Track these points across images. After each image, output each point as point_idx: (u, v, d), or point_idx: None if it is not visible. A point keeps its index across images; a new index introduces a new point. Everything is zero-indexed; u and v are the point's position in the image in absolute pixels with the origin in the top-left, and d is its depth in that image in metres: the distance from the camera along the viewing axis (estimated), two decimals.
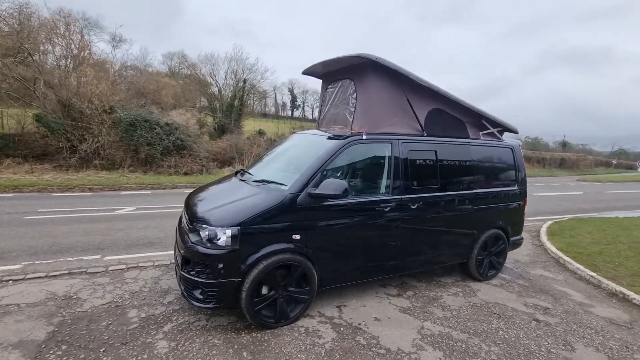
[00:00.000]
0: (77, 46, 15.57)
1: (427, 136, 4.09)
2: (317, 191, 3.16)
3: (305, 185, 3.21)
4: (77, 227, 6.15)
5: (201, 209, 3.36)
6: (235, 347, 2.91)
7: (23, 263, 4.43)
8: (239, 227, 2.96)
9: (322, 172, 3.31)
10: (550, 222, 8.10)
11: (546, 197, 14.09)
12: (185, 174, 14.38)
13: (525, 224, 5.17)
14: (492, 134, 4.72)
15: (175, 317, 3.33)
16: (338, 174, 3.69)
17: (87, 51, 16.00)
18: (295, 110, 66.99)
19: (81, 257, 4.72)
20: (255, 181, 3.65)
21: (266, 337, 3.07)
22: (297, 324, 3.30)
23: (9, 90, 13.46)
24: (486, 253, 4.62)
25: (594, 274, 4.87)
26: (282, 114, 62.86)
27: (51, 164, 13.09)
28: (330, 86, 4.51)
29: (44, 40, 14.97)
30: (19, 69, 13.29)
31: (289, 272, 3.22)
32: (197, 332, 3.10)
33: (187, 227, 3.30)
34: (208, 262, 2.98)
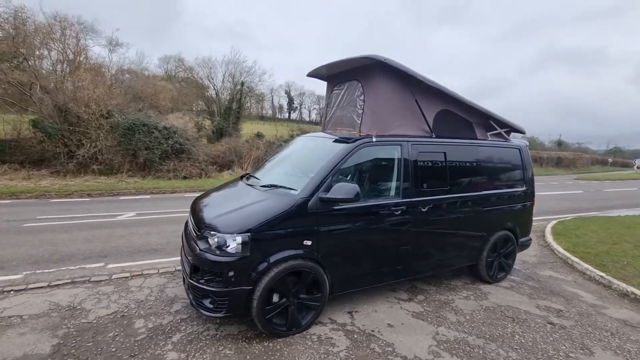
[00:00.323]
0: (73, 51, 15.43)
1: (435, 137, 4.04)
2: (329, 195, 3.09)
3: (316, 189, 3.14)
4: (78, 234, 6.04)
5: (209, 215, 3.28)
6: (248, 357, 2.83)
7: (24, 272, 4.33)
8: (249, 234, 2.88)
9: (332, 175, 3.24)
10: (554, 221, 8.08)
11: (546, 196, 14.10)
12: (184, 178, 14.26)
13: None
14: (499, 135, 4.68)
15: (183, 327, 3.24)
16: (348, 178, 3.63)
17: (84, 55, 15.88)
18: (292, 112, 67.02)
19: (83, 266, 4.61)
20: (263, 186, 3.57)
21: (278, 347, 2.99)
22: (309, 332, 3.22)
23: (5, 96, 13.30)
24: (495, 255, 4.57)
25: (603, 274, 4.83)
26: (280, 117, 62.85)
27: (48, 169, 12.94)
28: (336, 88, 4.45)
29: (39, 45, 14.82)
30: (14, 74, 13.14)
31: (300, 279, 3.15)
32: (207, 342, 3.01)
33: (195, 234, 3.21)
34: (218, 270, 2.90)
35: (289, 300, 3.14)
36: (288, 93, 62.94)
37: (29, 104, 13.51)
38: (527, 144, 5.03)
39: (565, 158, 39.79)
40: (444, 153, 4.02)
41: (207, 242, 3.00)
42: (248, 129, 23.86)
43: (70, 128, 13.11)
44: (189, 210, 3.97)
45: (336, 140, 3.74)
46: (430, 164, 3.92)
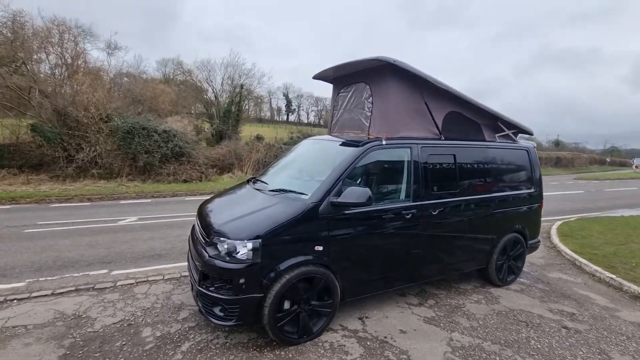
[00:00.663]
0: (71, 54, 15.35)
1: (445, 140, 4.00)
2: (340, 200, 3.03)
3: (327, 193, 3.09)
4: (80, 239, 5.96)
5: (218, 221, 3.21)
6: None
7: (27, 280, 4.24)
8: (260, 240, 2.82)
9: (343, 179, 3.19)
10: (559, 222, 8.05)
11: (548, 197, 14.01)
12: (185, 181, 14.17)
13: None
14: (507, 136, 4.64)
15: (192, 335, 3.17)
16: (358, 181, 3.57)
17: (82, 59, 15.80)
18: (290, 114, 67.02)
19: (87, 272, 4.53)
20: (272, 190, 3.51)
21: (290, 355, 2.92)
22: (321, 339, 3.15)
23: (3, 100, 13.19)
24: (505, 258, 4.52)
25: (613, 276, 4.78)
26: (278, 119, 62.81)
27: (47, 174, 12.85)
28: (342, 91, 4.40)
29: (37, 49, 14.73)
30: (13, 78, 13.05)
31: (311, 285, 3.08)
32: (218, 351, 2.94)
33: (204, 240, 3.15)
34: (228, 277, 2.83)
35: (300, 307, 3.08)
36: (286, 95, 62.98)
37: (27, 108, 13.42)
38: (535, 145, 5.00)
39: (564, 158, 39.88)
40: (454, 155, 3.98)
41: (217, 248, 2.94)
42: (247, 131, 23.81)
43: (70, 132, 13.03)
44: (195, 214, 3.91)
45: (345, 144, 3.68)
46: (440, 166, 3.87)
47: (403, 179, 3.65)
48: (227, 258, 2.86)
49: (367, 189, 3.03)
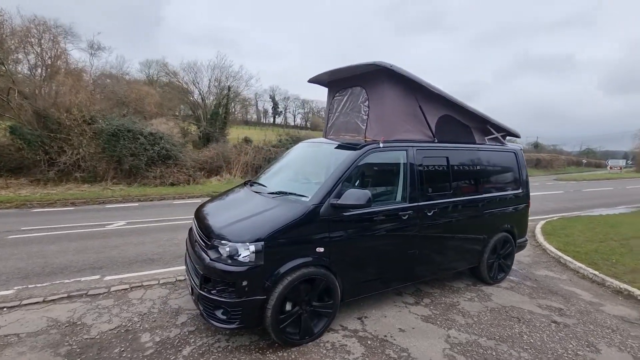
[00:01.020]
0: (52, 55, 14.89)
1: (438, 142, 4.11)
2: (340, 202, 3.09)
3: (327, 195, 3.13)
4: (68, 245, 5.79)
5: (218, 223, 3.21)
6: None
7: (16, 288, 4.11)
8: (263, 242, 2.84)
9: (343, 182, 3.24)
10: (542, 222, 8.35)
11: (531, 197, 14.54)
12: (172, 184, 13.94)
13: None
14: (496, 139, 4.81)
15: (192, 340, 3.15)
16: (356, 183, 3.63)
17: (63, 60, 15.35)
18: (277, 116, 66.80)
19: (79, 278, 4.42)
20: (272, 193, 3.53)
21: (293, 356, 2.95)
22: (322, 340, 3.19)
23: None
24: (496, 256, 4.67)
25: (596, 272, 5.01)
26: (264, 121, 62.48)
27: (28, 178, 12.39)
28: (338, 94, 4.46)
29: (16, 49, 14.22)
30: None
31: (313, 286, 3.12)
32: (220, 355, 2.93)
33: (204, 243, 3.14)
34: (231, 280, 2.84)
35: (302, 308, 3.11)
36: (273, 97, 62.75)
37: (6, 109, 12.94)
38: (522, 147, 5.19)
39: (544, 159, 41.30)
40: (447, 157, 4.10)
41: (218, 251, 2.94)
42: (234, 133, 23.56)
43: (51, 135, 12.62)
44: (184, 217, 3.89)
45: (343, 147, 3.75)
46: (434, 168, 3.98)
47: (399, 181, 3.73)
48: (229, 261, 2.87)
49: (367, 191, 3.10)
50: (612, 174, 37.03)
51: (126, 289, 4.13)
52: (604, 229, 7.77)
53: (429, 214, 3.80)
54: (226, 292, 2.87)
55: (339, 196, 3.13)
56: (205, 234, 3.19)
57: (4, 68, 13.28)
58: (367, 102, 3.91)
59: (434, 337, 3.27)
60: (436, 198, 3.90)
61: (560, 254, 5.93)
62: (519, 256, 5.89)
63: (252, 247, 2.82)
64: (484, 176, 4.48)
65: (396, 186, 3.74)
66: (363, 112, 3.96)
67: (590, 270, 5.13)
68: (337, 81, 4.46)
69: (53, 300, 3.80)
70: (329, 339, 3.21)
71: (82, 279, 4.42)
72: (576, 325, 3.64)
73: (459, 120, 4.41)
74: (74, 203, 10.08)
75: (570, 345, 3.23)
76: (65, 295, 3.91)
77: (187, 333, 3.26)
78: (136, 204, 10.41)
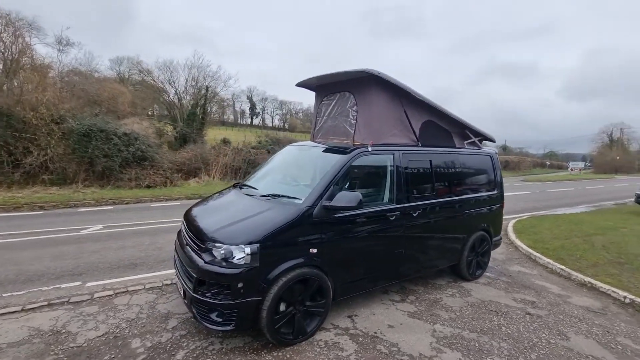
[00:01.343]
0: (16, 50, 14.03)
1: (422, 146, 4.32)
2: (332, 204, 3.19)
3: (320, 198, 3.23)
4: (42, 251, 5.53)
5: (211, 226, 3.22)
6: None
7: None
8: (258, 244, 2.89)
9: (334, 184, 3.35)
10: (513, 221, 8.86)
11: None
12: (148, 186, 13.53)
13: None
14: (474, 143, 5.10)
15: (185, 343, 3.14)
16: (346, 186, 3.75)
17: (29, 55, 14.50)
18: (254, 117, 66.15)
19: (58, 285, 4.25)
20: (264, 196, 3.58)
21: (288, 355, 3.01)
22: (315, 338, 3.27)
23: None
24: (474, 254, 4.94)
25: (563, 267, 5.41)
26: (242, 122, 61.71)
27: None
28: (325, 99, 4.57)
29: None
30: None
31: (306, 287, 3.20)
32: (215, 357, 2.95)
33: (197, 246, 3.14)
34: (226, 282, 2.86)
35: (296, 309, 3.18)
36: (250, 98, 62.09)
37: None
38: (497, 151, 5.52)
39: (512, 162, 43.50)
40: (430, 161, 4.31)
41: (212, 254, 2.96)
42: (211, 134, 23.15)
43: (16, 134, 11.89)
44: (181, 220, 3.87)
45: (333, 150, 3.85)
46: (418, 171, 4.17)
47: (386, 183, 3.89)
48: (224, 263, 2.90)
49: (358, 193, 3.22)
50: (572, 175, 39.57)
51: (111, 295, 4.03)
52: (569, 226, 8.36)
53: (414, 215, 3.98)
54: (221, 295, 2.89)
55: (330, 198, 3.23)
56: (197, 237, 3.19)
57: None
58: (355, 107, 4.04)
59: (421, 332, 3.44)
60: (421, 199, 4.09)
61: (530, 250, 6.34)
62: (494, 253, 6.22)
63: (248, 249, 2.86)
64: (463, 178, 4.74)
65: (383, 188, 3.90)
66: (351, 117, 4.09)
67: (558, 265, 5.53)
68: (325, 86, 4.57)
69: (32, 308, 3.65)
70: (322, 337, 3.30)
71: (62, 285, 4.26)
72: (548, 316, 3.94)
73: (440, 125, 4.65)
74: (43, 207, 9.59)
75: (544, 334, 3.50)
76: (46, 303, 3.76)
77: (179, 337, 3.24)
78: (111, 207, 10.04)
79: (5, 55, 13.83)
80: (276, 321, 3.02)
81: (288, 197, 3.41)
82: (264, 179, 4.22)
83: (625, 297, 4.40)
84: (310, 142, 4.65)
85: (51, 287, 4.20)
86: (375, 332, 3.40)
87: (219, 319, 2.91)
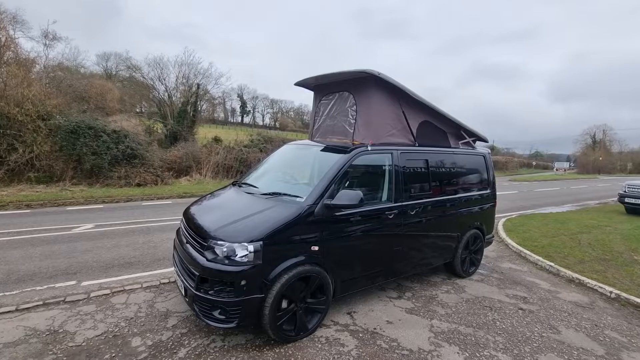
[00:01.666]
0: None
1: (419, 146, 4.40)
2: (334, 202, 3.23)
3: (321, 196, 3.27)
4: (32, 250, 5.42)
5: (213, 224, 3.22)
6: None
7: None
8: (261, 242, 2.91)
9: (335, 183, 3.39)
10: (503, 219, 9.07)
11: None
12: (139, 185, 13.34)
13: None
14: (467, 143, 5.21)
15: (186, 341, 3.14)
16: (346, 184, 3.80)
17: (13, 49, 14.08)
18: (245, 116, 65.68)
19: (52, 285, 4.18)
20: (265, 194, 3.60)
21: (290, 352, 3.05)
22: (316, 335, 3.32)
23: None
24: (467, 252, 5.06)
25: (552, 264, 5.59)
26: (232, 120, 61.21)
27: None
28: (324, 98, 4.61)
29: None
30: None
31: (307, 284, 3.24)
32: (217, 355, 2.96)
33: (198, 244, 3.15)
34: (229, 280, 2.88)
35: (297, 306, 3.21)
36: (241, 96, 61.60)
37: None
38: (489, 151, 5.66)
39: (499, 162, 44.40)
40: (427, 160, 4.39)
41: (215, 252, 2.97)
42: (201, 133, 22.91)
43: (0, 131, 11.56)
44: (180, 218, 3.85)
45: (333, 149, 3.90)
46: (415, 170, 4.25)
47: (385, 182, 3.95)
48: (226, 261, 2.91)
49: (359, 192, 3.27)
50: (558, 175, 40.66)
51: (107, 294, 3.98)
52: (556, 225, 8.61)
53: (411, 213, 4.06)
54: (224, 292, 2.90)
55: (332, 197, 3.28)
56: (199, 235, 3.19)
57: None
58: (354, 107, 4.09)
59: (419, 327, 3.52)
60: (418, 198, 4.17)
61: (520, 248, 6.52)
62: (486, 251, 6.37)
63: (251, 247, 2.88)
64: (458, 177, 4.85)
65: (382, 187, 3.96)
66: (351, 116, 4.13)
67: (547, 262, 5.70)
68: (323, 85, 4.61)
69: (27, 308, 3.58)
70: (323, 333, 3.34)
71: (57, 285, 4.19)
72: (539, 311, 4.07)
73: (436, 126, 4.74)
74: (30, 205, 9.36)
75: (536, 329, 3.63)
76: (41, 302, 3.70)
77: (179, 335, 3.23)
78: (101, 206, 9.87)
79: None
80: (278, 318, 3.05)
81: (289, 195, 3.43)
82: (263, 178, 4.24)
83: (611, 292, 4.58)
84: (308, 141, 4.69)
85: (45, 287, 4.13)
86: (375, 328, 3.47)
87: (222, 317, 2.92)
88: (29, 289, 4.06)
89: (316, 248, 3.22)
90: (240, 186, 4.14)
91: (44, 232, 6.55)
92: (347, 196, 3.23)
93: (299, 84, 4.79)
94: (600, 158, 56.67)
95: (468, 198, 4.95)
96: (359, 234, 3.58)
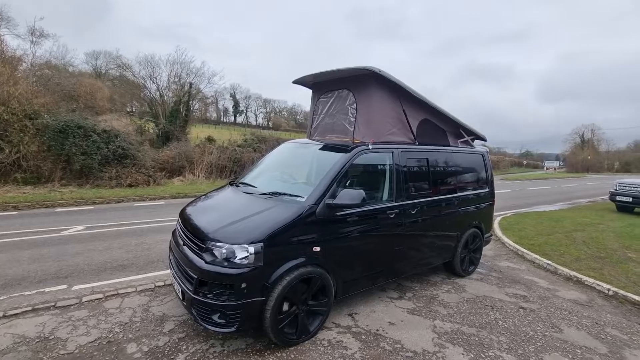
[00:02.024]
0: None
1: (419, 145, 4.35)
2: (336, 201, 3.16)
3: (323, 196, 3.19)
4: (20, 253, 5.23)
5: (211, 226, 3.12)
6: None
7: None
8: (262, 243, 2.82)
9: (336, 182, 3.32)
10: (499, 218, 9.10)
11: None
12: (130, 185, 13.08)
13: None
14: (466, 142, 5.19)
15: (184, 347, 3.03)
16: (347, 184, 3.73)
17: None
18: (238, 115, 65.23)
19: (42, 289, 4.02)
20: (264, 194, 3.51)
21: (292, 356, 2.96)
22: (318, 337, 3.24)
23: None
24: (467, 251, 5.04)
25: (549, 262, 5.61)
26: (225, 120, 60.71)
27: None
28: (323, 96, 4.53)
29: None
30: None
31: (309, 286, 3.15)
32: None
33: (196, 246, 3.04)
34: (229, 283, 2.78)
35: (299, 308, 3.13)
36: (233, 96, 61.14)
37: None
38: (487, 150, 5.65)
39: (492, 161, 44.95)
40: (427, 159, 4.35)
41: (213, 254, 2.87)
42: (194, 132, 22.62)
43: None
44: (177, 219, 3.74)
45: (333, 148, 3.82)
46: (416, 169, 4.20)
47: (386, 181, 3.90)
48: (226, 263, 2.81)
49: (361, 191, 3.20)
50: (548, 174, 41.29)
51: (100, 298, 3.85)
52: (550, 223, 8.68)
53: (412, 212, 4.00)
54: (224, 295, 2.81)
55: (334, 196, 3.20)
56: (196, 237, 3.09)
57: None
58: (354, 105, 4.02)
59: (421, 328, 3.47)
60: (418, 197, 4.12)
61: (517, 246, 6.54)
62: (484, 250, 6.37)
63: (252, 249, 2.79)
64: (457, 176, 4.82)
65: (384, 186, 3.90)
66: (350, 115, 4.06)
67: (544, 260, 5.72)
68: (322, 83, 4.53)
69: (15, 314, 3.43)
70: (325, 336, 3.27)
71: (47, 289, 4.03)
72: (540, 309, 4.06)
73: (436, 124, 4.70)
74: (17, 207, 9.08)
75: (538, 327, 3.61)
76: (30, 308, 3.54)
77: (177, 340, 3.12)
78: (92, 207, 9.63)
79: None
80: (280, 321, 2.96)
81: (290, 195, 3.35)
82: (261, 177, 4.14)
83: (608, 290, 4.60)
84: (307, 140, 4.61)
85: (34, 292, 3.97)
86: (377, 330, 3.40)
87: (222, 321, 2.83)
88: (17, 294, 3.89)
89: (318, 249, 3.14)
90: (237, 186, 4.04)
91: (32, 235, 6.35)
92: (349, 195, 3.16)
93: (297, 81, 4.70)
94: (589, 157, 57.74)
95: (467, 197, 4.93)
96: (361, 234, 3.51)
